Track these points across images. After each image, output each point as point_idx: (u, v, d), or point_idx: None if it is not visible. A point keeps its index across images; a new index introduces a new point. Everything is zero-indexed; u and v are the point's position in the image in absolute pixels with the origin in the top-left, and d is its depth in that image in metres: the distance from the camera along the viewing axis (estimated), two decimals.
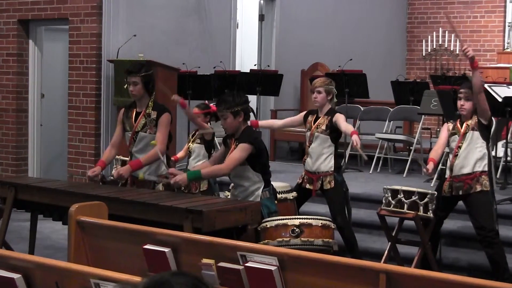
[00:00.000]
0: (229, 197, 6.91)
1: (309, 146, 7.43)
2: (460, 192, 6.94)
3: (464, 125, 6.96)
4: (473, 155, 6.90)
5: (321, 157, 7.33)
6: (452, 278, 4.07)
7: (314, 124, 7.41)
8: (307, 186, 7.43)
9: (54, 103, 11.46)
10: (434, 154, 7.09)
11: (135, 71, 6.80)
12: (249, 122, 6.86)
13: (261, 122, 7.94)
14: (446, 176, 7.09)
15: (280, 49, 13.09)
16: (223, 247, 4.75)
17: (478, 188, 6.87)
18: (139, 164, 6.67)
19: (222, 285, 4.61)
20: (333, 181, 7.31)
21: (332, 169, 7.33)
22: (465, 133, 6.94)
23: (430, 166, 6.92)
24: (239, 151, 6.44)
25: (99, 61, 10.31)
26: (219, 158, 6.86)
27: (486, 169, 6.89)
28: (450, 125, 7.11)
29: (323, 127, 7.32)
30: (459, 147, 6.96)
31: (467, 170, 6.89)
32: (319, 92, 7.39)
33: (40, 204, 6.90)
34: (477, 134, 6.89)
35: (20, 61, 11.11)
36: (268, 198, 6.62)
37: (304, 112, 7.70)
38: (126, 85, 9.55)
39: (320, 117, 7.42)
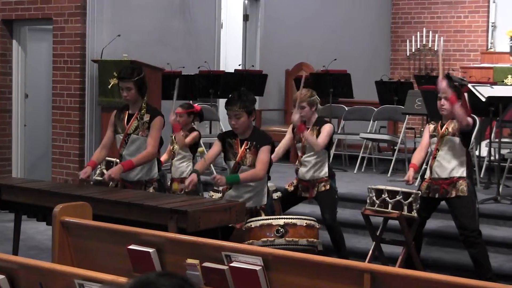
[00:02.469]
0: (221, 197, 6.84)
1: (301, 157, 7.46)
2: (436, 195, 6.98)
3: (444, 128, 6.98)
4: (451, 160, 6.92)
5: (315, 166, 7.38)
6: (436, 277, 4.08)
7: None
8: (303, 194, 7.47)
9: (38, 103, 11.42)
10: (417, 156, 7.13)
11: (128, 76, 6.64)
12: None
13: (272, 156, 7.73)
14: (425, 176, 7.14)
15: (264, 49, 13.09)
16: (208, 247, 4.75)
17: (454, 193, 6.89)
18: (131, 164, 6.60)
19: (206, 285, 4.61)
20: (328, 185, 7.38)
21: (327, 175, 7.38)
22: (442, 137, 6.96)
23: (411, 174, 6.96)
24: (265, 153, 6.46)
25: (83, 61, 10.28)
26: (214, 157, 6.83)
27: (464, 174, 6.90)
28: (431, 126, 7.13)
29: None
30: (438, 149, 6.99)
31: (444, 174, 6.92)
32: (303, 108, 7.39)
33: (24, 204, 6.87)
34: (457, 140, 6.91)
35: (3, 61, 11.06)
36: (271, 198, 6.70)
37: (291, 126, 7.69)
38: (110, 85, 9.60)
39: (308, 128, 7.43)
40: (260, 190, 6.60)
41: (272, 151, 6.57)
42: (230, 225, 6.24)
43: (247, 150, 6.51)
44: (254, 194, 6.58)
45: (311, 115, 7.45)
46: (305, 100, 7.39)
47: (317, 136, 7.36)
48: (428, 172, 7.09)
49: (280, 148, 7.60)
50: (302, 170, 7.44)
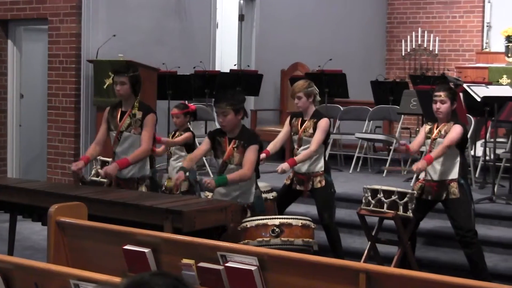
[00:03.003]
0: (211, 196, 6.85)
1: (297, 149, 7.45)
2: (429, 197, 7.00)
3: (437, 130, 6.98)
4: (444, 163, 6.93)
5: (311, 159, 7.35)
6: (432, 277, 4.08)
7: (301, 127, 7.43)
8: (298, 187, 7.46)
9: (34, 104, 11.41)
10: (414, 145, 7.19)
11: (123, 71, 6.73)
12: (263, 155, 7.06)
13: (270, 148, 7.59)
14: (420, 177, 7.15)
15: (260, 49, 13.09)
16: (203, 247, 4.75)
17: (444, 196, 6.91)
18: (127, 162, 6.63)
19: (202, 285, 4.60)
20: (323, 181, 7.36)
21: (323, 169, 7.37)
22: (435, 139, 6.97)
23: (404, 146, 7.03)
24: (253, 153, 6.46)
25: (78, 61, 10.28)
26: (201, 154, 6.86)
27: (456, 177, 6.91)
28: (427, 127, 7.14)
29: (311, 131, 7.35)
30: (430, 151, 7.00)
31: (436, 177, 6.94)
32: (300, 98, 7.39)
33: (19, 204, 6.87)
34: None
35: None
36: (259, 197, 6.69)
37: (288, 118, 7.70)
38: (106, 85, 9.59)
39: (306, 120, 7.43)
40: (247, 189, 6.62)
41: (260, 151, 6.57)
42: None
43: (235, 148, 6.53)
44: (241, 192, 6.60)
45: (308, 105, 7.43)
46: (302, 91, 7.38)
47: (314, 129, 7.34)
48: (423, 173, 7.10)
49: (277, 141, 7.62)
50: (299, 164, 7.43)
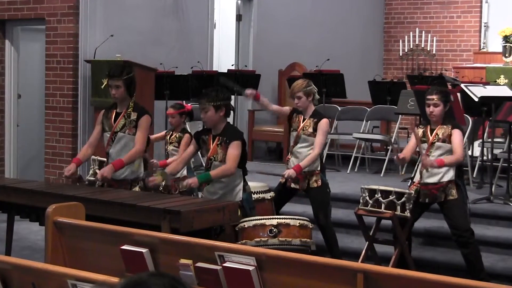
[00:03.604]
0: (202, 194, 6.87)
1: (294, 147, 7.45)
2: (427, 200, 6.99)
3: (434, 134, 6.98)
4: None
5: (307, 157, 7.35)
6: (429, 277, 4.08)
7: (300, 125, 7.43)
8: (293, 185, 7.45)
9: (31, 104, 11.40)
10: (406, 152, 7.19)
11: (117, 74, 6.72)
12: (246, 94, 7.34)
13: (264, 99, 7.70)
14: (414, 180, 7.14)
15: (257, 49, 13.09)
16: (201, 247, 4.75)
17: (443, 197, 6.91)
18: (121, 163, 6.64)
19: (200, 286, 4.60)
20: (319, 180, 7.36)
21: (319, 168, 7.36)
22: (433, 143, 6.97)
23: (402, 155, 7.02)
24: (235, 149, 6.50)
25: (76, 61, 10.26)
26: (188, 157, 6.91)
27: (453, 178, 6.92)
28: (420, 131, 7.13)
29: (310, 130, 7.36)
30: (428, 156, 6.98)
31: (433, 179, 6.93)
32: (299, 98, 7.40)
33: (17, 205, 6.86)
34: (447, 146, 6.91)
35: None
36: (248, 194, 6.69)
37: (291, 108, 7.66)
38: (103, 86, 9.59)
39: (306, 118, 7.43)
40: (233, 187, 6.63)
41: (243, 147, 6.60)
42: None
43: (218, 145, 6.58)
44: (228, 191, 6.62)
45: (308, 105, 7.44)
46: (301, 90, 7.39)
47: (314, 129, 7.35)
48: (417, 176, 7.10)
49: (273, 106, 7.91)
50: (294, 160, 7.42)
